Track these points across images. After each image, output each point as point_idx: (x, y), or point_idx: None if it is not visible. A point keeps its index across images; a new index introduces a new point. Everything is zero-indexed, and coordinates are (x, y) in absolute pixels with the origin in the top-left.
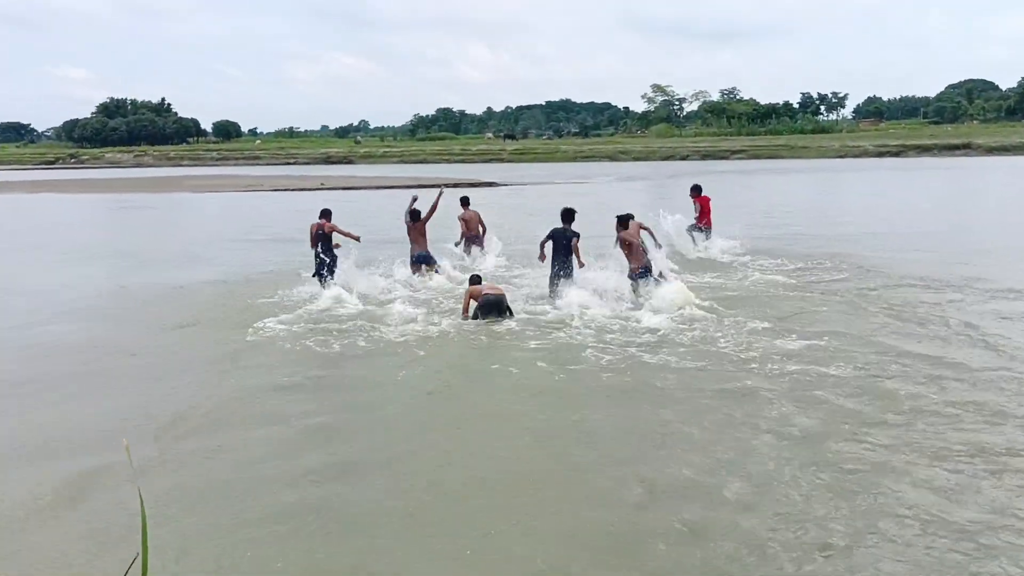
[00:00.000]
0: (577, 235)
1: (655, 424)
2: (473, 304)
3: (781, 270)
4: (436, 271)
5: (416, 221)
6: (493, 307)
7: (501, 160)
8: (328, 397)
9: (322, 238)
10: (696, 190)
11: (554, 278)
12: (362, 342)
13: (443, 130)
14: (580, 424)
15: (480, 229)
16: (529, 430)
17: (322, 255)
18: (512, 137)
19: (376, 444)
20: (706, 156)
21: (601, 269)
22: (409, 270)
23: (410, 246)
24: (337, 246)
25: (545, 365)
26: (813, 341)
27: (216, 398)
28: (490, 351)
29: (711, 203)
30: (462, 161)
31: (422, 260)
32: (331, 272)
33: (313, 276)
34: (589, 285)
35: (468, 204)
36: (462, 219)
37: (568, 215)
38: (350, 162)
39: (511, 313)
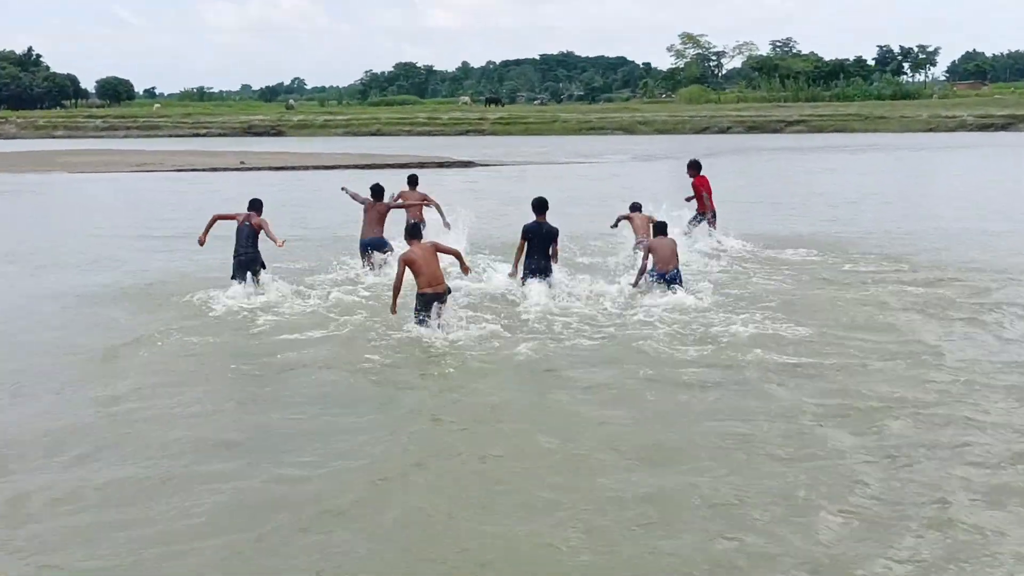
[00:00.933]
0: (557, 232)
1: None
2: (408, 278)
3: (847, 274)
4: (388, 259)
5: (379, 199)
6: (430, 302)
7: (481, 132)
8: (265, 456)
9: (248, 233)
10: (695, 167)
11: (529, 276)
12: (288, 354)
13: (404, 92)
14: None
15: (421, 212)
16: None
17: (244, 253)
18: (496, 102)
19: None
20: (752, 128)
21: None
22: (359, 260)
23: (361, 229)
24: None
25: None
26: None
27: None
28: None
29: (709, 185)
30: (428, 133)
31: (371, 246)
32: (255, 275)
33: (232, 278)
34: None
35: (416, 184)
36: (401, 200)
37: (541, 206)
38: (280, 133)
39: (446, 308)
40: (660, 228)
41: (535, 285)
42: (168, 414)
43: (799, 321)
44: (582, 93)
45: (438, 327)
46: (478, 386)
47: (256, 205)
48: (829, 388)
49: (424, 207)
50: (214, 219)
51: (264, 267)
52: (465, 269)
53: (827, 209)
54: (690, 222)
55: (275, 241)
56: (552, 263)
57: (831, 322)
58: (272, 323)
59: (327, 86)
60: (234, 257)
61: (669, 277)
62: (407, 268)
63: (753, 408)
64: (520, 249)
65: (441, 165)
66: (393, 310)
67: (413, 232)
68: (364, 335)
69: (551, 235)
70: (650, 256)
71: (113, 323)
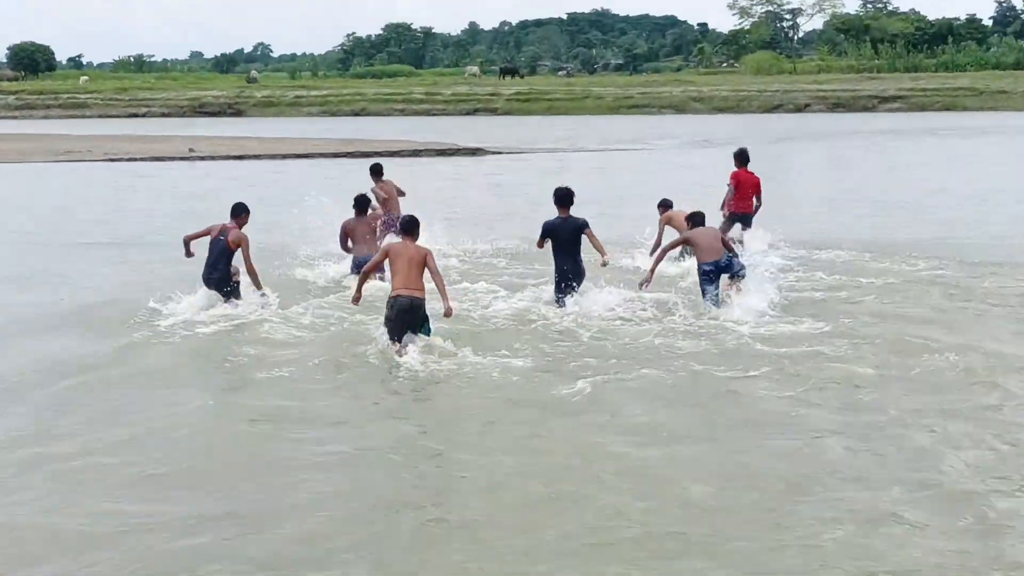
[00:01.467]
0: (586, 223)
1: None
2: (377, 284)
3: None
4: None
5: (363, 211)
6: (403, 315)
7: (493, 111)
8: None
9: (221, 250)
10: (742, 158)
11: (561, 283)
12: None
13: (395, 61)
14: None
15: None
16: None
17: (211, 273)
18: (512, 73)
19: None
20: (837, 106)
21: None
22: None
23: (353, 247)
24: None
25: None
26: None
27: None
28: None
29: (754, 182)
30: (427, 112)
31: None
32: (225, 298)
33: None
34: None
35: (382, 174)
36: (377, 193)
37: (565, 198)
38: (239, 113)
39: (426, 329)
40: (697, 219)
41: (582, 297)
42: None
43: (937, 345)
44: (620, 62)
45: (404, 347)
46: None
47: (239, 211)
48: (996, 449)
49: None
50: (186, 241)
51: (234, 291)
52: (448, 311)
53: (944, 209)
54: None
55: (251, 274)
56: (603, 256)
57: (978, 347)
58: (248, 355)
59: (299, 53)
60: (202, 277)
61: (723, 264)
62: (385, 259)
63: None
64: (542, 243)
65: (442, 153)
66: (355, 298)
67: (409, 227)
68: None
69: (578, 230)
70: (688, 252)
71: (60, 357)
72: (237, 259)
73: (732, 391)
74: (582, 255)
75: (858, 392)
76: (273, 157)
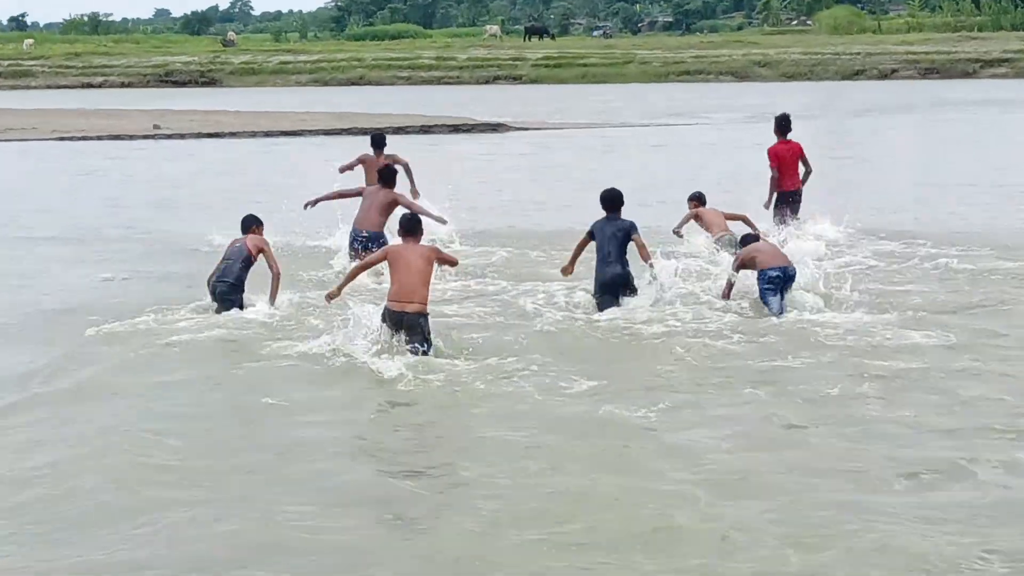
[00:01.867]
0: (634, 226)
1: None
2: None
3: None
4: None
5: (389, 181)
6: (394, 329)
7: (517, 79)
8: None
9: (241, 259)
10: (782, 125)
11: (602, 288)
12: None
13: (399, 20)
14: None
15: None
16: None
17: (222, 281)
18: (539, 33)
19: None
20: (930, 71)
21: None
22: (345, 257)
23: (356, 214)
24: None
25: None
26: None
27: None
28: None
29: (794, 150)
30: (438, 80)
31: (367, 242)
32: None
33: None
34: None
35: (383, 146)
36: (364, 162)
37: (613, 201)
38: (213, 82)
39: (427, 344)
40: (751, 240)
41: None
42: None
43: None
44: (669, 19)
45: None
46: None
47: (251, 224)
48: None
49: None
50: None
51: (237, 304)
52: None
53: None
54: (776, 218)
55: (275, 280)
56: (649, 263)
57: None
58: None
59: (284, 12)
60: (208, 283)
61: (792, 273)
62: (384, 262)
63: None
64: (579, 246)
65: (456, 128)
66: (331, 294)
67: (411, 226)
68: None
69: (624, 232)
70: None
71: (24, 372)
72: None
73: (829, 416)
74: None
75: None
76: (255, 135)
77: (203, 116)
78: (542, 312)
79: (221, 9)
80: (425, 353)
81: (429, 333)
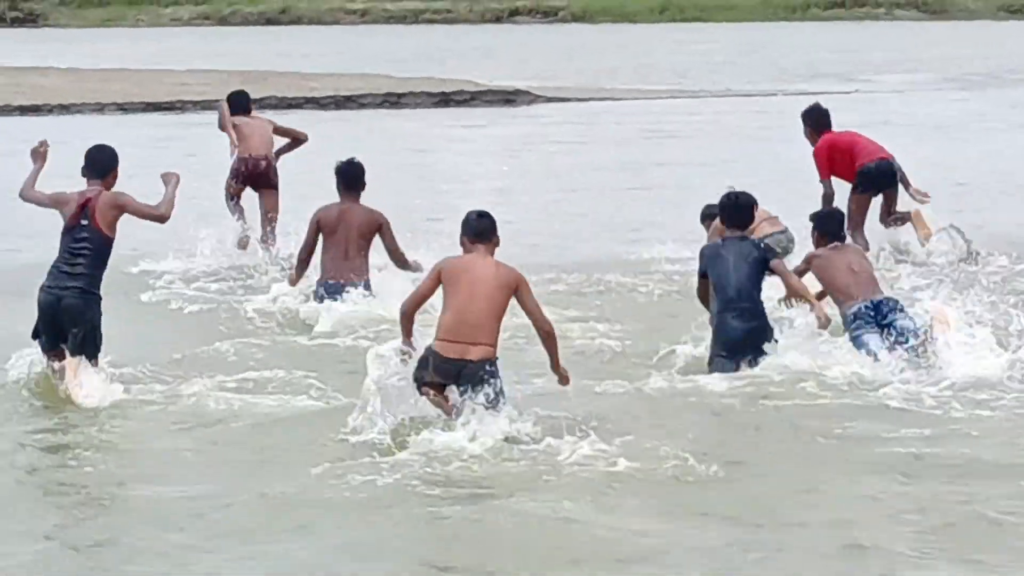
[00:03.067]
0: (771, 251)
1: None
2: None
3: None
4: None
5: (354, 192)
6: (449, 375)
7: (551, 14)
8: None
9: (83, 239)
10: (812, 121)
11: (730, 347)
12: None
13: None
14: None
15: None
16: None
17: (60, 281)
18: None
19: None
20: None
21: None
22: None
23: (322, 261)
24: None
25: None
26: None
27: None
28: None
29: (837, 150)
30: (416, 17)
31: (334, 295)
32: (80, 344)
33: (33, 338)
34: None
35: (249, 108)
36: (236, 131)
37: (740, 211)
38: (30, 18)
39: (497, 400)
40: (827, 224)
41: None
42: None
43: None
44: None
45: (457, 418)
46: None
47: (104, 163)
48: None
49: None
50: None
51: (92, 334)
52: (562, 377)
53: None
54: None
55: (153, 215)
56: (791, 305)
57: None
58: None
59: None
60: (40, 290)
61: (887, 309)
62: (438, 286)
63: None
64: (700, 290)
65: (445, 99)
66: (405, 351)
67: (481, 230)
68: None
69: (756, 260)
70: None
71: None
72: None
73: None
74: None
75: None
76: (101, 109)
77: (13, 77)
78: (635, 373)
79: None
80: (494, 404)
81: (500, 386)
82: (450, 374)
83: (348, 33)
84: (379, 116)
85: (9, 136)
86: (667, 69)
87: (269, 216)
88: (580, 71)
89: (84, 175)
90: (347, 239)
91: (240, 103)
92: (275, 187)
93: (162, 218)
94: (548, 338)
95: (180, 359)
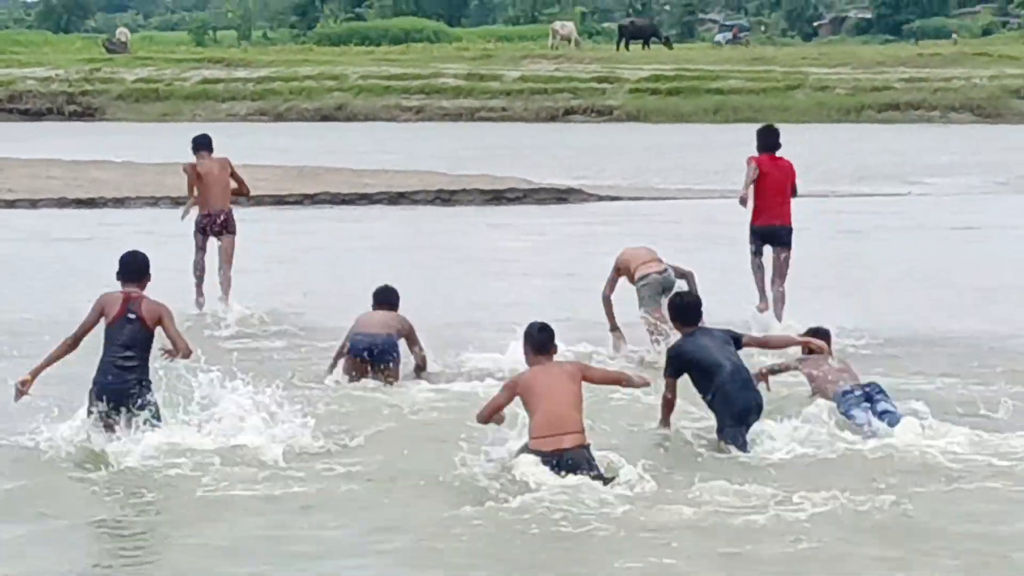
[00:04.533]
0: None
1: None
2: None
3: None
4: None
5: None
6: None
7: (605, 113)
8: None
9: (131, 335)
10: (766, 140)
11: (738, 416)
12: None
13: (408, 12)
14: None
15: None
16: None
17: (114, 375)
18: (646, 36)
19: None
20: None
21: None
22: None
23: (356, 323)
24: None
25: None
26: None
27: None
28: None
29: (785, 174)
30: (472, 115)
31: (371, 351)
32: (132, 413)
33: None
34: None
35: (211, 149)
36: (196, 174)
37: (690, 311)
38: (89, 112)
39: (602, 479)
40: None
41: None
42: None
43: None
44: (867, 16)
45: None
46: None
47: (136, 266)
48: None
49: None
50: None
51: (148, 404)
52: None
53: None
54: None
55: (179, 349)
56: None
57: None
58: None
59: None
60: (94, 383)
61: (870, 392)
62: (512, 399)
63: None
64: (669, 396)
65: (498, 197)
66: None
67: (542, 343)
68: None
69: (734, 341)
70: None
71: None
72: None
73: None
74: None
75: None
76: (155, 202)
77: (71, 170)
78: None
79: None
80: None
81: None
82: (557, 464)
83: (403, 130)
84: (431, 212)
85: (65, 229)
86: (720, 167)
87: (225, 258)
88: (633, 170)
89: (119, 279)
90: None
91: (203, 143)
92: (233, 233)
93: (186, 352)
94: (629, 382)
95: None
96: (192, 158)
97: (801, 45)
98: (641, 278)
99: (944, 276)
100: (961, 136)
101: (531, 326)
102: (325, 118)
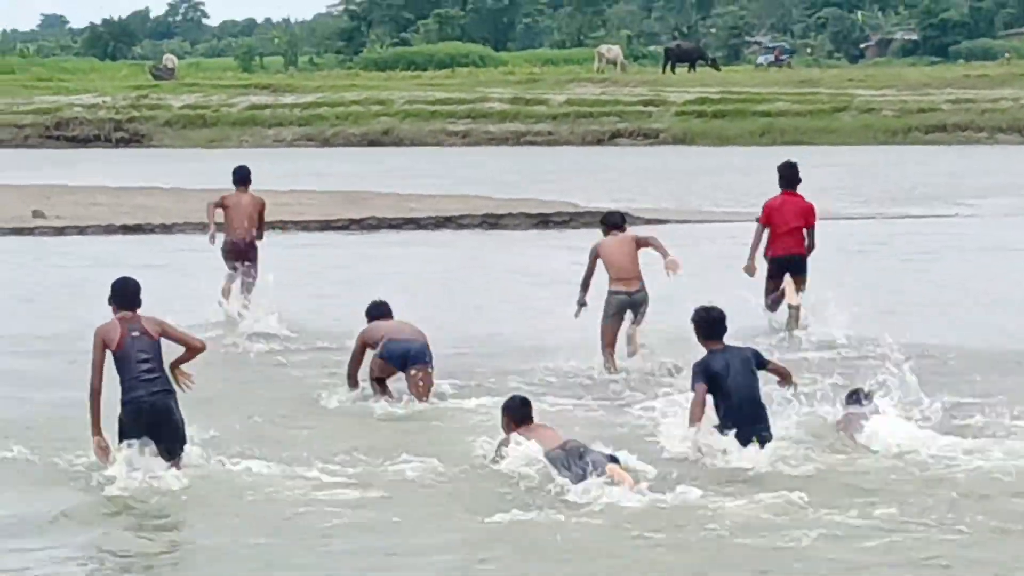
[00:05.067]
0: (757, 353)
1: None
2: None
3: None
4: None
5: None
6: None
7: (651, 136)
8: None
9: (148, 352)
10: (788, 177)
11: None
12: None
13: (452, 36)
14: None
15: (251, 228)
16: None
17: (152, 390)
18: (692, 59)
19: None
20: None
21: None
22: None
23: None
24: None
25: None
26: None
27: None
28: None
29: (801, 207)
30: (518, 139)
31: (414, 358)
32: (174, 444)
33: (122, 441)
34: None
35: (248, 183)
36: (222, 207)
37: (713, 324)
38: (136, 139)
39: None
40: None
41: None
42: None
43: None
44: (913, 38)
45: None
46: None
47: (127, 293)
48: None
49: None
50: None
51: (181, 433)
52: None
53: None
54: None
55: (193, 347)
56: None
57: None
58: None
59: (259, 20)
60: (125, 405)
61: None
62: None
63: None
64: (701, 394)
65: (545, 221)
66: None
67: (525, 415)
68: None
69: (752, 359)
70: None
71: None
72: None
73: None
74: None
75: None
76: (203, 228)
77: (118, 197)
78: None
79: (153, 16)
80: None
81: None
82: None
83: (450, 154)
84: (478, 237)
85: (114, 256)
86: (764, 192)
87: (247, 281)
88: (680, 192)
89: (111, 304)
90: None
91: (241, 176)
92: (254, 260)
93: (199, 348)
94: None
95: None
96: (232, 188)
97: (847, 67)
98: (611, 291)
99: (997, 294)
100: (1009, 157)
101: (513, 399)
102: (372, 143)
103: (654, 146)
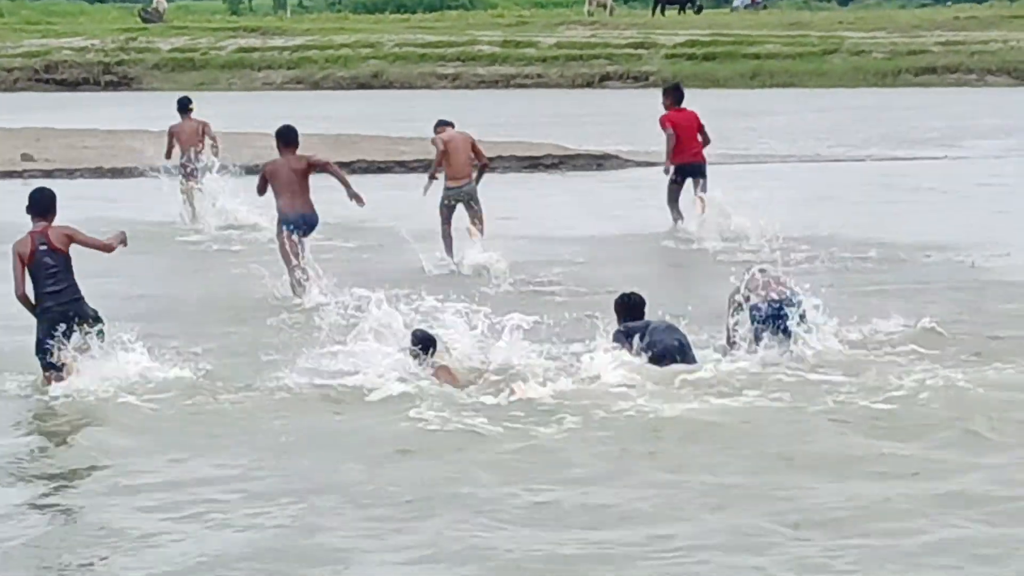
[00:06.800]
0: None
1: None
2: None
3: None
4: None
5: (290, 146)
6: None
7: (642, 79)
8: None
9: (56, 263)
10: (674, 96)
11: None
12: None
13: None
14: None
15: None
16: None
17: (65, 295)
18: (676, 3)
19: None
20: None
21: None
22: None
23: (280, 200)
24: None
25: None
26: None
27: None
28: None
29: (691, 120)
30: (508, 81)
31: (300, 225)
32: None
33: (39, 354)
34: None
35: (190, 110)
36: (175, 134)
37: (632, 308)
38: (125, 81)
39: None
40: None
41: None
42: None
43: None
44: None
45: None
46: None
47: (43, 201)
48: None
49: (204, 142)
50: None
51: (98, 320)
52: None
53: None
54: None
55: (103, 248)
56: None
57: None
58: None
59: None
60: (42, 314)
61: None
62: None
63: None
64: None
65: (533, 163)
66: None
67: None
68: None
69: (680, 345)
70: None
71: None
72: None
73: None
74: None
75: None
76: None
77: (107, 140)
78: None
79: None
80: None
81: None
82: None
83: (439, 97)
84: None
85: (103, 198)
86: (759, 132)
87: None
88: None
89: (28, 213)
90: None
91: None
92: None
93: (107, 248)
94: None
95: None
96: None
97: (837, 9)
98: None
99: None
100: (998, 100)
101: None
102: (361, 86)
103: (644, 89)
